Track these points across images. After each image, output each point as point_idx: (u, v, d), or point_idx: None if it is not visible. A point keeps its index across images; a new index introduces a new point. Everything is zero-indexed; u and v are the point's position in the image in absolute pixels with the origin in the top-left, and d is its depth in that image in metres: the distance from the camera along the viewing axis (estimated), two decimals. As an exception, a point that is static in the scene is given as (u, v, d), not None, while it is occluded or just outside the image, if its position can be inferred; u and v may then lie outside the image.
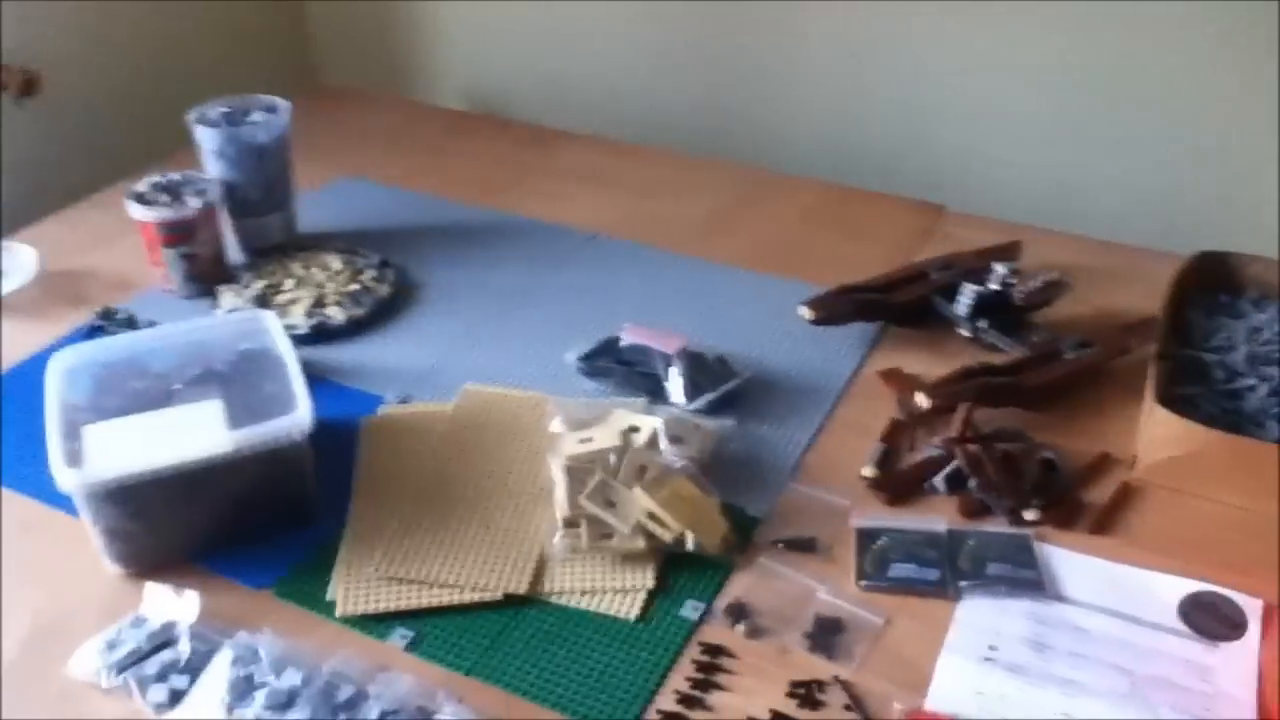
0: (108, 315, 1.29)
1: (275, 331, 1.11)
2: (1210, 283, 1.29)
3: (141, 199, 1.33)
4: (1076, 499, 1.06)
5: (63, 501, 1.06)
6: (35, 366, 1.24)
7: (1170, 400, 1.08)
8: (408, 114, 1.89)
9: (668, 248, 1.48)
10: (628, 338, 1.21)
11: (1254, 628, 0.94)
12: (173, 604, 0.95)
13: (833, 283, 1.31)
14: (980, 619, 0.96)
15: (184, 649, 0.91)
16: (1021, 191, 1.72)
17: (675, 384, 1.16)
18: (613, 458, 1.04)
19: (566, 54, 1.98)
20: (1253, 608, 0.95)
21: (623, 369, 1.20)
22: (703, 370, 1.18)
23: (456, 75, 2.11)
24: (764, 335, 1.30)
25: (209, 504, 1.00)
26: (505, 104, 2.06)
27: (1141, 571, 0.99)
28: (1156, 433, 1.06)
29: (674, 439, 1.07)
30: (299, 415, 0.99)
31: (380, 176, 1.67)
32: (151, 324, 1.29)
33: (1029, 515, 1.04)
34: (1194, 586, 0.98)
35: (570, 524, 1.00)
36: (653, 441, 1.07)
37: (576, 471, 1.03)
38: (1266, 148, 1.53)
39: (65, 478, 0.93)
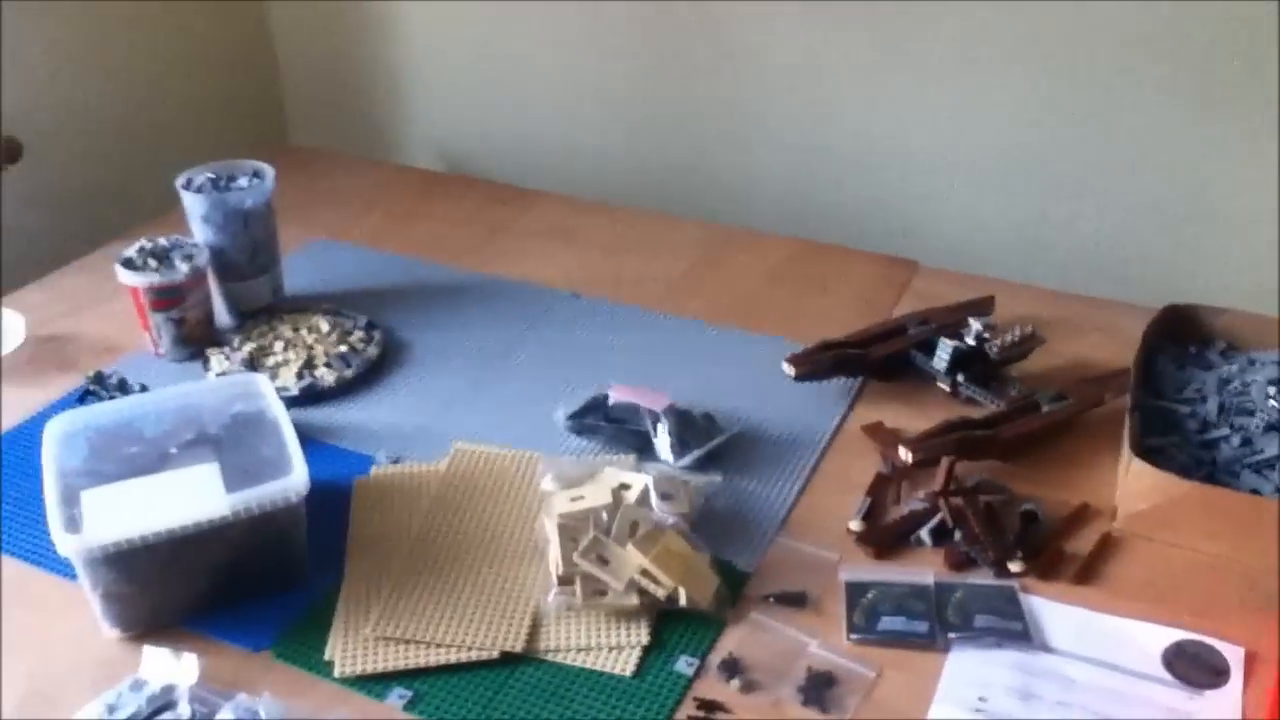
0: (99, 380, 1.30)
1: (268, 394, 1.12)
2: (1178, 334, 1.33)
3: (130, 264, 1.35)
4: (1058, 550, 1.09)
5: (58, 565, 1.06)
6: (27, 431, 1.25)
7: (1145, 451, 1.11)
8: (379, 175, 1.91)
9: (640, 305, 1.50)
10: (615, 396, 1.23)
11: (1237, 675, 0.96)
12: (171, 667, 0.95)
13: (807, 338, 1.33)
14: (969, 670, 0.97)
15: (184, 712, 0.91)
16: (989, 244, 1.76)
17: (663, 441, 1.18)
18: (604, 515, 1.06)
19: (535, 114, 2.01)
20: (1235, 655, 0.98)
21: (611, 427, 1.22)
22: (689, 427, 1.20)
23: (427, 136, 2.14)
24: (746, 391, 1.32)
25: (205, 566, 1.01)
26: (475, 164, 2.09)
27: (1124, 621, 1.02)
28: (1134, 484, 1.09)
29: (664, 495, 1.09)
30: (295, 478, 1.00)
31: (355, 238, 1.69)
32: (143, 387, 1.29)
33: (1013, 567, 1.06)
34: (1177, 635, 1.00)
35: (565, 581, 1.02)
36: (643, 499, 1.08)
37: (569, 529, 1.05)
38: (1232, 201, 1.58)
39: (65, 543, 0.94)
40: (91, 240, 1.64)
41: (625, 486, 1.09)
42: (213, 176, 1.44)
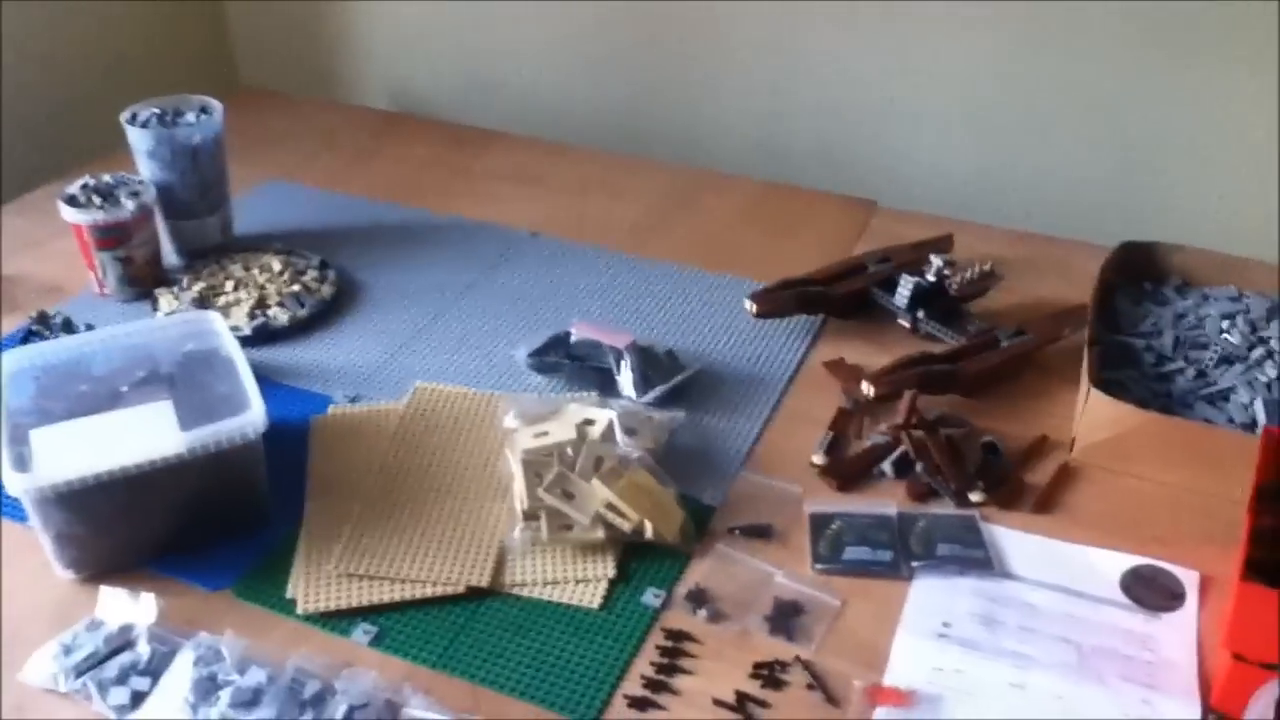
0: (43, 320, 1.26)
1: (223, 332, 1.10)
2: (1134, 272, 1.34)
3: (73, 202, 1.31)
4: (1018, 480, 1.10)
5: (7, 507, 1.04)
6: (-30, 372, 1.21)
7: (1103, 384, 1.12)
8: (333, 116, 1.87)
9: (604, 246, 1.49)
10: (577, 333, 1.22)
11: (1192, 598, 0.98)
12: (129, 607, 0.93)
13: (770, 278, 1.33)
14: (932, 598, 0.98)
15: (143, 651, 0.90)
16: (947, 186, 1.76)
17: (626, 378, 1.18)
18: (569, 451, 1.05)
19: (492, 55, 1.98)
20: (1190, 579, 1.00)
21: (573, 364, 1.21)
22: (653, 364, 1.20)
23: (381, 77, 2.10)
24: (708, 330, 1.32)
25: (161, 507, 0.98)
26: (431, 105, 2.05)
27: (1083, 548, 1.03)
28: (1092, 416, 1.10)
29: (628, 431, 1.08)
30: (252, 414, 0.98)
31: (309, 179, 1.66)
32: (89, 328, 1.26)
33: (974, 497, 1.07)
34: (1134, 561, 1.01)
35: (530, 516, 1.01)
36: (608, 434, 1.08)
37: (533, 465, 1.04)
38: (1186, 138, 1.59)
39: (14, 482, 0.91)
40: (33, 178, 1.60)
41: (590, 422, 1.08)
42: (159, 111, 1.39)
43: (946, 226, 1.46)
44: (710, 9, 1.79)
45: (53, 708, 0.88)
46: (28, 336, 1.25)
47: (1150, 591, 0.99)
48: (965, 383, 1.18)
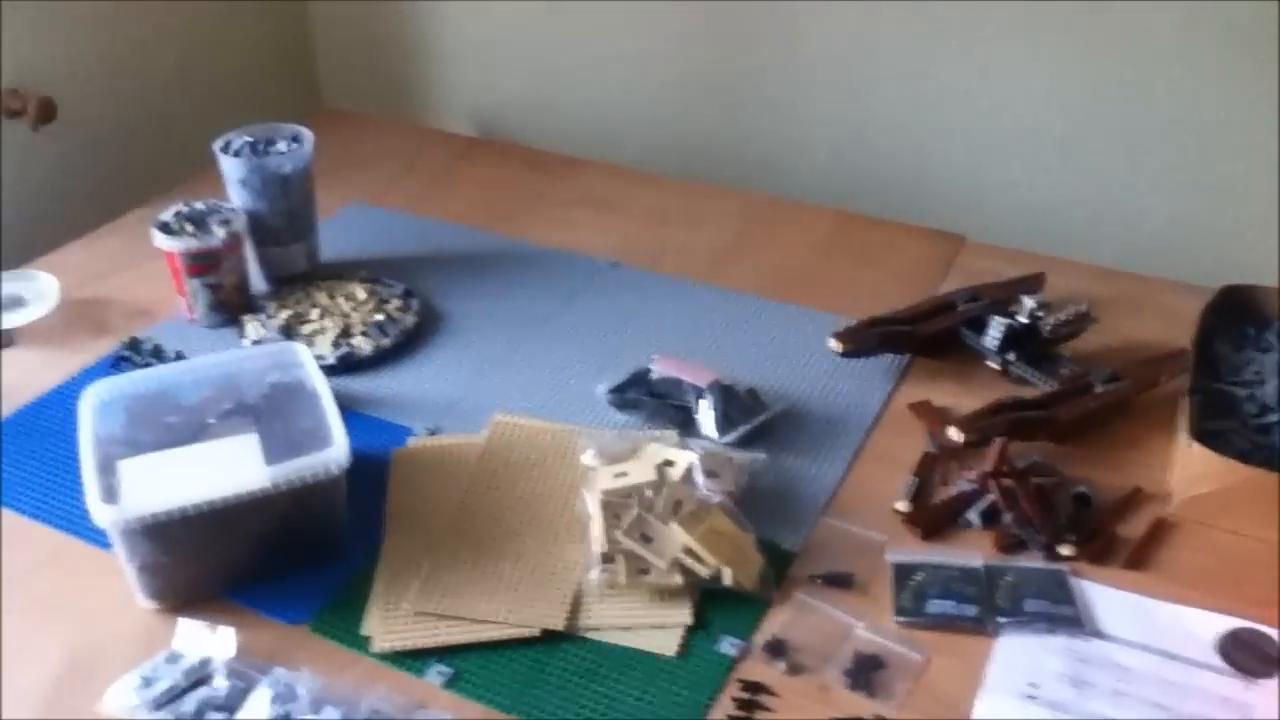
0: (134, 345, 1.28)
1: (308, 363, 1.11)
2: (1235, 315, 1.30)
3: (166, 228, 1.33)
4: (1111, 534, 1.06)
5: (91, 534, 1.05)
6: (62, 396, 1.24)
7: (1202, 435, 1.08)
8: (413, 139, 1.88)
9: (683, 275, 1.48)
10: (658, 369, 1.21)
11: (1294, 665, 0.94)
12: (207, 639, 0.94)
13: (852, 311, 1.31)
14: (1019, 656, 0.95)
15: (220, 686, 0.90)
16: (1037, 220, 1.72)
17: (707, 417, 1.16)
18: (648, 492, 1.04)
19: (573, 79, 1.98)
20: (1292, 645, 0.95)
21: (654, 401, 1.20)
22: (734, 403, 1.18)
23: (461, 100, 2.11)
24: (790, 366, 1.30)
25: (242, 538, 0.99)
26: (511, 129, 2.06)
27: (1178, 608, 0.99)
28: (1191, 469, 1.06)
29: (709, 473, 1.07)
30: (336, 450, 0.98)
31: (389, 203, 1.67)
32: (178, 354, 1.28)
33: (1064, 550, 1.04)
34: (1231, 623, 0.97)
35: (607, 559, 1.00)
36: (688, 476, 1.06)
37: (612, 506, 1.03)
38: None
39: (102, 513, 0.92)
40: (125, 204, 1.63)
41: (669, 463, 1.07)
42: (251, 140, 1.41)
43: (1036, 262, 1.42)
44: (789, 34, 1.77)
45: (132, 739, 0.89)
46: (118, 362, 1.28)
47: (1248, 656, 0.95)
48: (1057, 430, 1.15)
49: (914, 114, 1.75)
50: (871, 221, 1.61)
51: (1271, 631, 0.96)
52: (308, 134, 1.42)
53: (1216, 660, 0.95)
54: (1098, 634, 0.97)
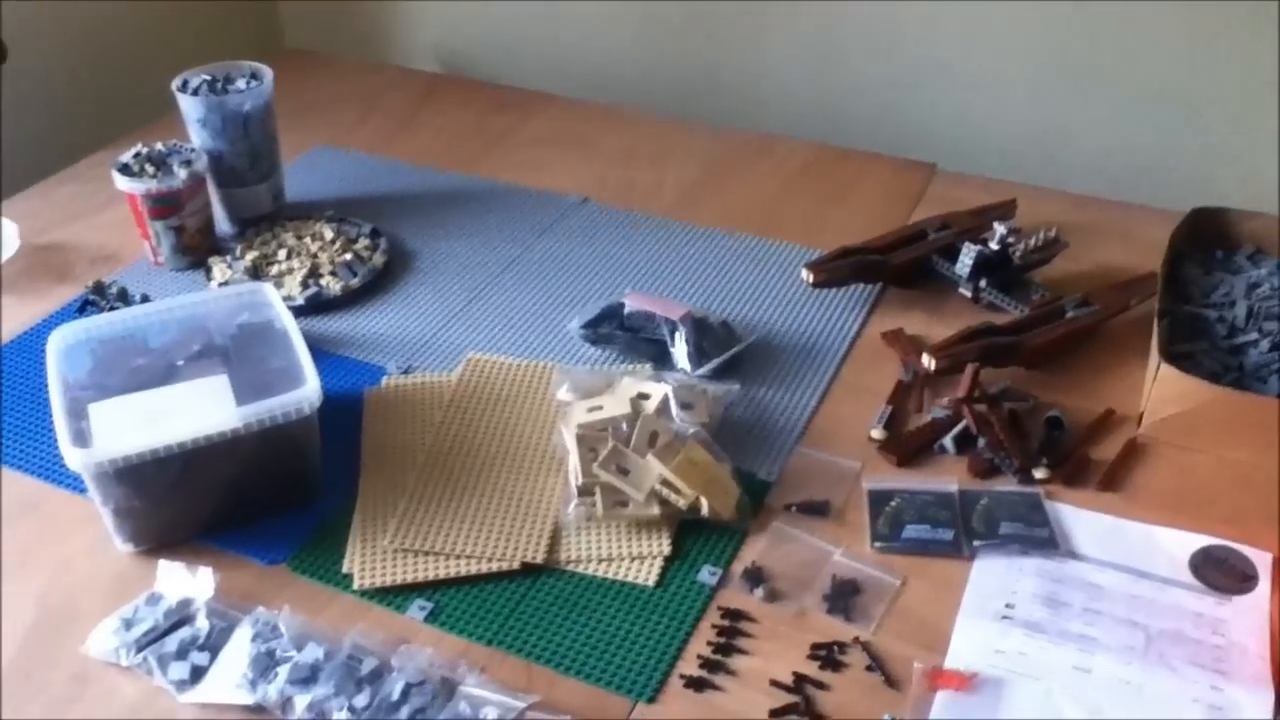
0: (99, 290, 1.26)
1: (276, 304, 1.09)
2: (1204, 239, 1.30)
3: (126, 170, 1.31)
4: (1083, 456, 1.07)
5: (65, 479, 1.04)
6: (28, 342, 1.22)
7: (1173, 357, 1.09)
8: (378, 79, 1.85)
9: (654, 212, 1.47)
10: (631, 304, 1.20)
11: (1264, 581, 0.95)
12: (187, 581, 0.93)
13: (824, 244, 1.30)
14: (995, 578, 0.96)
15: (202, 625, 0.90)
16: (1007, 148, 1.72)
17: (681, 350, 1.16)
18: (623, 425, 1.04)
19: (539, 16, 1.95)
20: (1262, 561, 0.97)
21: (627, 336, 1.19)
22: (707, 335, 1.18)
23: (427, 38, 2.08)
24: (763, 299, 1.29)
25: (217, 481, 0.98)
26: (477, 67, 2.03)
27: (1151, 528, 1.01)
28: (1161, 390, 1.07)
29: (684, 405, 1.07)
30: (308, 389, 0.97)
31: (355, 144, 1.64)
32: (144, 298, 1.26)
33: (1038, 474, 1.05)
34: (1204, 541, 0.99)
35: (584, 492, 1.00)
36: (663, 408, 1.06)
37: (588, 440, 1.03)
38: (1257, 102, 1.54)
39: (74, 457, 0.91)
40: (84, 148, 1.60)
41: (644, 396, 1.07)
42: (209, 79, 1.38)
43: (1007, 190, 1.42)
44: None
45: (114, 681, 0.88)
46: (84, 307, 1.26)
47: (1221, 573, 0.96)
48: (1029, 355, 1.16)
49: (885, 44, 1.73)
50: (842, 153, 1.60)
51: (1243, 549, 0.98)
52: (267, 71, 1.40)
53: (1189, 578, 0.96)
54: (1072, 555, 0.98)
